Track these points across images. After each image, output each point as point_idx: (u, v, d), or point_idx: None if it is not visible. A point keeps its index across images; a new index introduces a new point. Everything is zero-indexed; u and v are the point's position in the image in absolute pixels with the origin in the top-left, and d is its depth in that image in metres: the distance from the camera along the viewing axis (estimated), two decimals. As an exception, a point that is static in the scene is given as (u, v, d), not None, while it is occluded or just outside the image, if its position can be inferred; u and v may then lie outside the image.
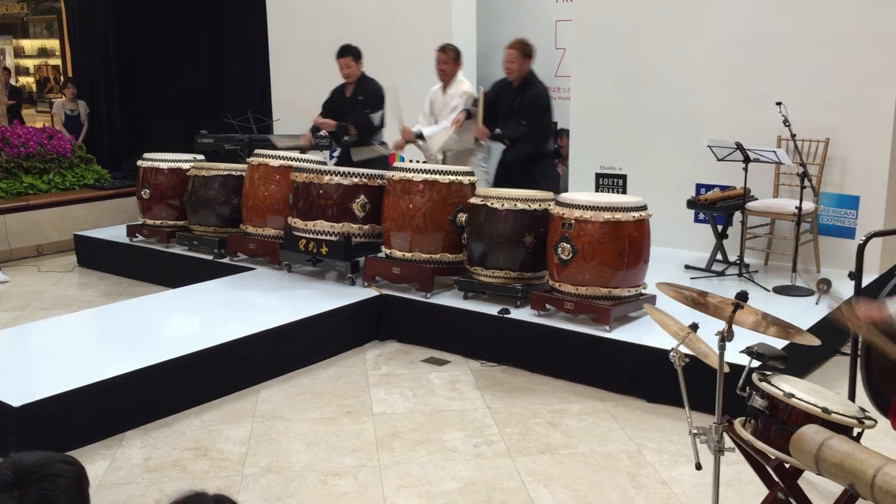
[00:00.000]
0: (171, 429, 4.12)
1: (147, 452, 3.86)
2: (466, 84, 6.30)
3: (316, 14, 8.68)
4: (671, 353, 2.62)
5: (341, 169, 5.65)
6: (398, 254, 5.40)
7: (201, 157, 7.06)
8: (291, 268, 6.01)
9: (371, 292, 5.45)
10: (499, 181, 6.17)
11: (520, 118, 5.92)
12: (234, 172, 6.46)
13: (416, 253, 5.34)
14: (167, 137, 9.51)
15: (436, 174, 5.31)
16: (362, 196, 5.57)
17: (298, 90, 8.94)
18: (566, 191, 6.73)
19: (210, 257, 6.41)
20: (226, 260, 6.35)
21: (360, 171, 5.66)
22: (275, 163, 6.10)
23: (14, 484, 1.38)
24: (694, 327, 2.62)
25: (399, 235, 5.37)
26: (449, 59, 6.23)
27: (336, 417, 4.25)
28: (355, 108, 6.53)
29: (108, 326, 5.08)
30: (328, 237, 5.60)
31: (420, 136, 6.27)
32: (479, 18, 8.05)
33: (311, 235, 5.66)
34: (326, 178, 5.55)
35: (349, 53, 6.49)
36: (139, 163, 6.96)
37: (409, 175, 5.32)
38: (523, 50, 5.96)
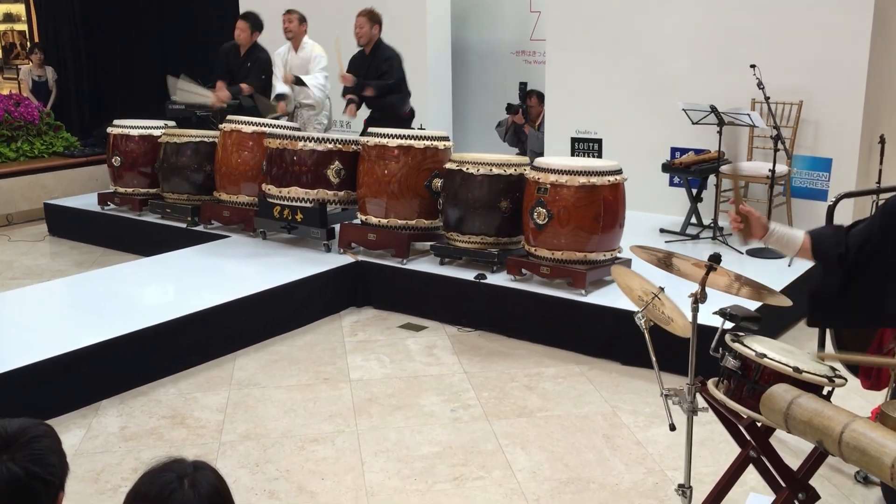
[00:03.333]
0: (148, 397, 4.10)
1: (123, 421, 3.85)
2: (318, 46, 6.73)
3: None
4: (637, 316, 2.64)
5: (315, 135, 5.60)
6: (374, 220, 5.38)
7: (172, 123, 6.96)
8: (266, 235, 5.97)
9: (347, 259, 5.44)
10: None
11: (380, 79, 6.36)
12: (206, 139, 6.38)
13: (392, 219, 5.32)
14: (137, 104, 9.35)
15: (411, 139, 5.28)
16: (337, 162, 5.52)
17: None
18: (541, 155, 6.73)
19: (183, 225, 6.35)
20: (199, 228, 6.28)
21: (335, 137, 5.61)
22: (248, 129, 6.03)
23: (3, 448, 1.43)
24: (660, 291, 2.64)
25: (374, 201, 5.35)
26: (294, 20, 6.71)
27: (313, 384, 4.25)
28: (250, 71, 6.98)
29: (81, 296, 5.03)
30: (303, 204, 5.56)
31: (281, 95, 6.73)
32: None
33: (285, 202, 5.61)
34: (300, 144, 5.50)
35: (246, 19, 6.94)
36: (109, 130, 6.84)
37: (384, 140, 5.28)
38: (371, 17, 6.40)
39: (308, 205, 5.55)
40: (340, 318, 5.21)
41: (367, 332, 4.96)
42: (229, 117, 6.26)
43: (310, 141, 5.51)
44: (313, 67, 6.68)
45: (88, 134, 9.41)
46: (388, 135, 5.32)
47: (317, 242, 5.67)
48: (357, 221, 5.58)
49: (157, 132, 6.66)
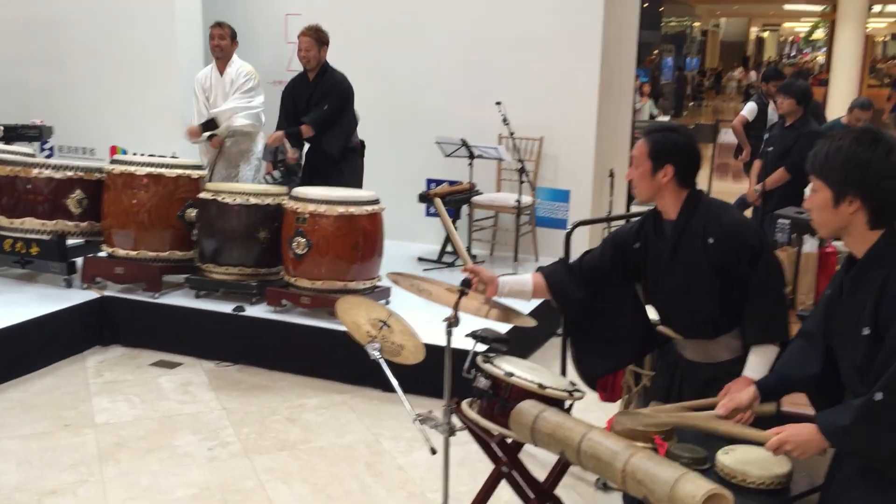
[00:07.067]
0: None
1: None
2: (247, 65, 5.97)
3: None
4: (370, 348, 2.71)
5: (52, 162, 5.19)
6: (121, 252, 5.06)
7: None
8: (-5, 271, 5.42)
9: (91, 294, 5.07)
10: (305, 181, 5.65)
11: (321, 105, 5.55)
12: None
13: (142, 251, 5.04)
14: None
15: (161, 167, 5.05)
16: (78, 191, 5.15)
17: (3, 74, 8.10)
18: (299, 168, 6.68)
19: None
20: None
21: (75, 164, 5.24)
22: (-28, 154, 5.45)
23: None
24: (389, 315, 2.70)
25: (122, 233, 5.04)
26: (226, 35, 5.88)
27: (52, 431, 3.90)
28: None
29: None
30: (39, 236, 5.12)
31: (211, 132, 5.81)
32: (205, 11, 7.74)
33: (18, 234, 5.14)
34: (35, 171, 5.07)
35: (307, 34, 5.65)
36: None
37: (132, 168, 5.01)
38: (318, 37, 5.58)
39: (45, 237, 5.12)
40: (84, 358, 4.83)
41: (115, 372, 4.64)
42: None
43: (46, 168, 5.09)
44: (233, 90, 5.82)
45: None
46: (135, 162, 5.05)
47: (56, 278, 5.23)
48: (102, 254, 5.23)
49: None
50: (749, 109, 7.78)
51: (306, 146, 5.74)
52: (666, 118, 15.97)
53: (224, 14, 8.07)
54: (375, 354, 2.70)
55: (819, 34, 40.02)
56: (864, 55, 19.40)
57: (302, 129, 5.56)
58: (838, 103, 16.75)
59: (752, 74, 34.68)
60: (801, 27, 44.34)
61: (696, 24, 33.94)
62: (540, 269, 2.81)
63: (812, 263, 3.37)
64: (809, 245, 3.38)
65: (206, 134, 5.82)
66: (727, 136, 9.46)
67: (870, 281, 1.96)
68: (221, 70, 5.92)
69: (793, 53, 49.10)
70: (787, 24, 45.26)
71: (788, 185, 5.60)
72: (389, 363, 2.76)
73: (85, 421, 4.02)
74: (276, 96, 8.21)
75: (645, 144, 2.58)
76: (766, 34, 47.76)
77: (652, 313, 2.85)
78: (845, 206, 1.97)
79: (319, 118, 5.52)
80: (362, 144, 5.87)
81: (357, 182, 5.64)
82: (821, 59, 35.22)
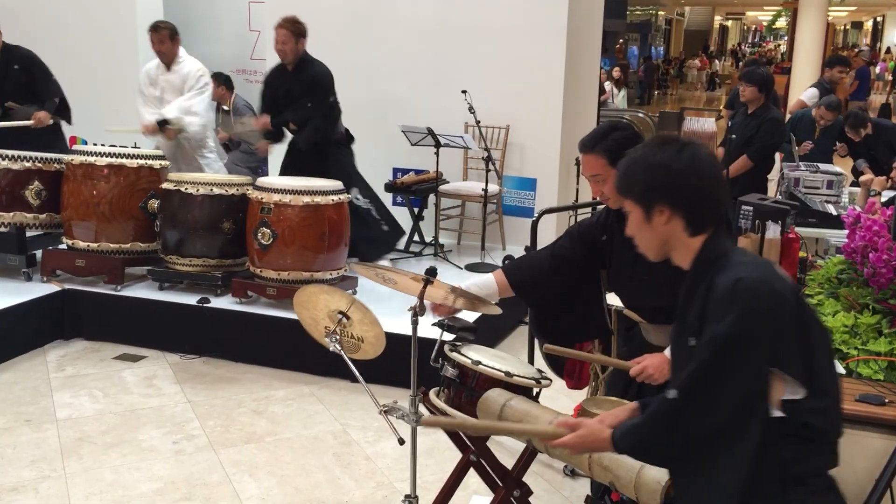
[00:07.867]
0: None
1: None
2: (197, 62, 5.96)
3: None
4: (329, 340, 2.69)
5: (9, 152, 5.07)
6: (82, 244, 4.97)
7: None
8: (-48, 264, 5.30)
9: (52, 287, 4.97)
10: (286, 172, 5.49)
11: (304, 101, 5.36)
12: None
13: (104, 243, 4.96)
14: None
15: (122, 158, 4.96)
16: (37, 182, 5.05)
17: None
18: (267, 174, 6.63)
19: None
20: None
21: (34, 154, 5.13)
22: (-74, 145, 5.32)
23: None
24: (351, 304, 2.68)
25: (82, 225, 4.95)
26: (165, 39, 5.78)
27: (12, 427, 3.82)
28: None
29: None
30: (-4, 228, 5.02)
31: (164, 122, 5.78)
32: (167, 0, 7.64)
33: (-25, 227, 5.03)
34: (-8, 162, 4.96)
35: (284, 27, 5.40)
36: None
37: (92, 159, 4.92)
38: (295, 29, 5.31)
39: (3, 229, 5.02)
40: (45, 352, 4.75)
41: (77, 366, 4.56)
42: None
43: (3, 159, 4.98)
44: (187, 88, 5.82)
45: None
46: (96, 153, 4.96)
47: (14, 270, 5.13)
48: (63, 246, 5.13)
49: None
50: (809, 95, 7.51)
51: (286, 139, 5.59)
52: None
53: (186, 3, 7.97)
54: (336, 348, 2.68)
55: (781, 23, 40.53)
56: (825, 43, 19.66)
57: (289, 127, 5.46)
58: (800, 91, 16.95)
59: (717, 63, 35.05)
60: (764, 16, 44.87)
61: (661, 12, 34.16)
62: (500, 268, 2.81)
63: (775, 249, 3.40)
64: (772, 231, 3.41)
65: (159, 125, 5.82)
66: (691, 125, 9.55)
67: (698, 292, 1.81)
68: (168, 66, 5.89)
69: (756, 41, 49.71)
70: (750, 13, 45.77)
71: (751, 173, 5.66)
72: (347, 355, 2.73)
73: (46, 416, 3.95)
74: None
75: (600, 157, 2.53)
76: (729, 23, 48.24)
77: (615, 300, 2.88)
78: (657, 217, 1.83)
79: (301, 116, 5.37)
80: (347, 134, 5.71)
81: (344, 174, 5.36)
82: (783, 47, 35.69)
